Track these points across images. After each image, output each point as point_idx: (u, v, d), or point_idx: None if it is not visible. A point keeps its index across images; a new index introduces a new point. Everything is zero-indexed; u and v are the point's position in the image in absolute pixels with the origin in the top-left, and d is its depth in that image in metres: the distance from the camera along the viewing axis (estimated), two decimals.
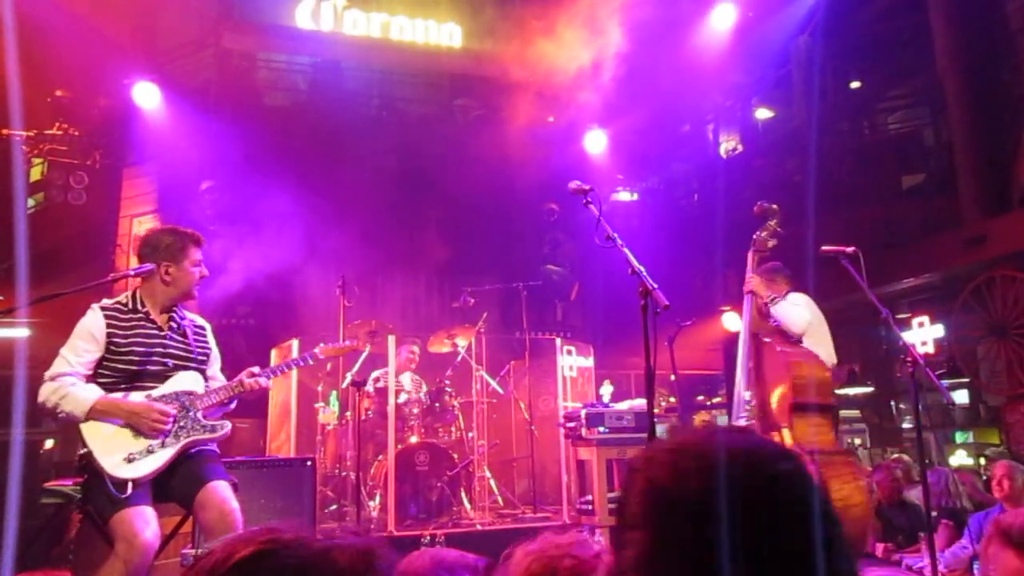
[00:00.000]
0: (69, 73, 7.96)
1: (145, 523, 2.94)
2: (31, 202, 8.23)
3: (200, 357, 3.45)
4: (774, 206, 4.37)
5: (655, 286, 3.17)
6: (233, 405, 3.51)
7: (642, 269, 3.25)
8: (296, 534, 0.86)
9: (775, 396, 3.99)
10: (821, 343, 4.44)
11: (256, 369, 3.50)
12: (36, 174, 8.35)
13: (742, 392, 4.12)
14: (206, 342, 3.53)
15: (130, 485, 3.00)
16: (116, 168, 8.56)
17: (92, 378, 3.19)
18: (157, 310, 3.36)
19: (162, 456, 3.13)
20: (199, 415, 3.28)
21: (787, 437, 3.85)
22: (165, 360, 3.31)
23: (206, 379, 3.46)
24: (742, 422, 3.97)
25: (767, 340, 4.21)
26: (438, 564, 0.90)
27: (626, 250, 3.35)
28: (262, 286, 7.68)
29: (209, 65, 8.80)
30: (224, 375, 3.61)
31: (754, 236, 4.45)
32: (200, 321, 3.57)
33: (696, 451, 0.81)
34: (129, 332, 3.25)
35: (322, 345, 3.87)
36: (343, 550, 0.85)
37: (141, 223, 8.54)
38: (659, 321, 3.24)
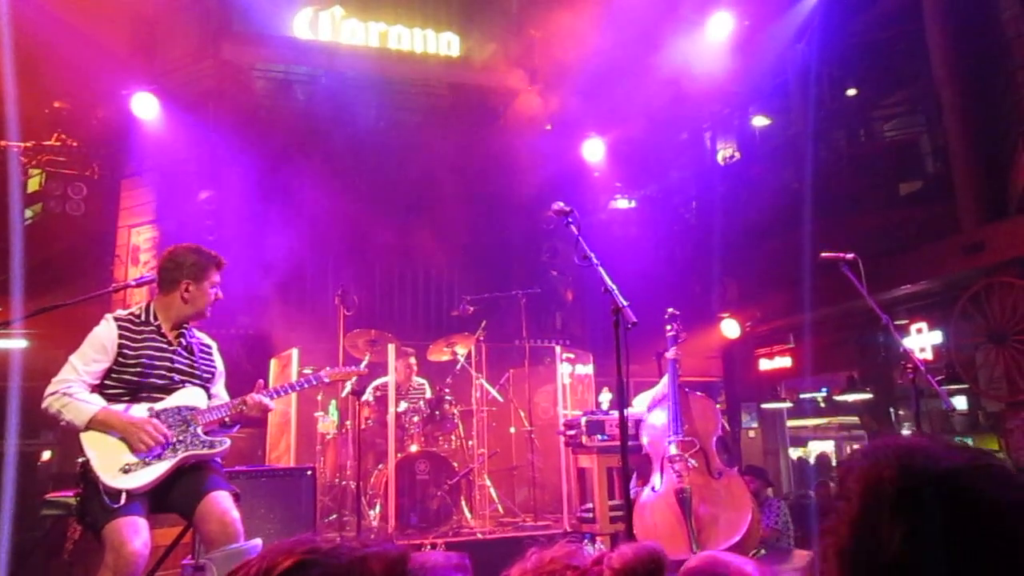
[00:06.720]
0: (67, 84, 7.96)
1: (135, 532, 2.93)
2: (29, 213, 8.22)
3: (204, 375, 3.46)
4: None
5: (625, 304, 3.27)
6: (236, 429, 3.51)
7: (614, 288, 3.34)
8: (333, 543, 0.90)
9: (704, 429, 5.25)
10: None
11: (260, 382, 3.51)
12: (34, 185, 8.34)
13: (671, 420, 5.22)
14: (211, 361, 3.55)
15: (123, 496, 3.00)
16: (114, 179, 8.56)
17: (98, 388, 3.20)
18: (169, 325, 3.38)
19: (158, 469, 3.13)
20: (199, 430, 3.28)
21: (713, 457, 5.05)
22: (171, 375, 3.32)
23: (209, 396, 3.46)
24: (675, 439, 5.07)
25: (691, 391, 5.57)
26: (420, 566, 0.91)
27: (601, 269, 3.44)
28: (261, 296, 7.67)
29: (207, 76, 8.80)
30: (227, 390, 3.61)
31: (676, 327, 5.41)
32: (207, 340, 3.58)
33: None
34: (139, 344, 3.26)
35: (328, 369, 3.88)
36: (378, 557, 0.89)
37: (139, 234, 8.54)
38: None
